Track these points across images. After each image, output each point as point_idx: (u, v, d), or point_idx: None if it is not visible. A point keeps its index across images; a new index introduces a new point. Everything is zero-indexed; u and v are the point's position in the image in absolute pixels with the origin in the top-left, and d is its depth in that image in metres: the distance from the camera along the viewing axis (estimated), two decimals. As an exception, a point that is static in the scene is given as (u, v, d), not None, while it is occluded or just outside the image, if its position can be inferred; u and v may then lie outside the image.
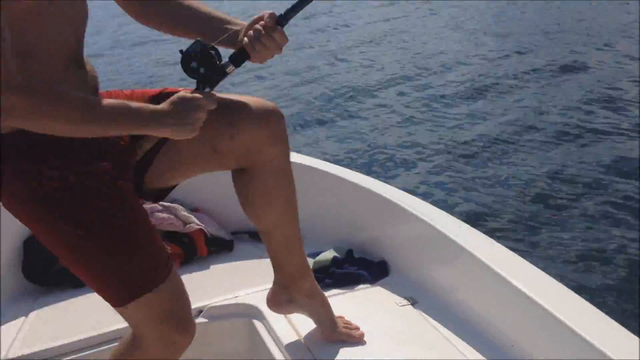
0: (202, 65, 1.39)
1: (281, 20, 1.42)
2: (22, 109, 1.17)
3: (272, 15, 1.41)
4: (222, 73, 1.42)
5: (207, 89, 1.40)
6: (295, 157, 1.87)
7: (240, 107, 1.53)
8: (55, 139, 1.27)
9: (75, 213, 1.31)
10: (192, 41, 1.40)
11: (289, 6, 1.43)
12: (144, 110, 1.30)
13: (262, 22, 1.41)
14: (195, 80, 1.41)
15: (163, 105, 1.32)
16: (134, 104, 1.30)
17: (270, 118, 1.54)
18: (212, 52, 1.40)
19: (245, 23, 1.47)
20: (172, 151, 1.50)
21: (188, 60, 1.39)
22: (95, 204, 1.33)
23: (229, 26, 1.48)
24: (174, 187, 1.62)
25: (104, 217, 1.33)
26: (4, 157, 1.31)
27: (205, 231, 2.37)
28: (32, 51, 1.26)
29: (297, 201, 1.63)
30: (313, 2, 1.45)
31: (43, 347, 1.85)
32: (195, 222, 2.37)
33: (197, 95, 1.35)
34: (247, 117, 1.51)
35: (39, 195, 1.30)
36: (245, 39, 1.42)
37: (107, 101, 1.27)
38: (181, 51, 1.39)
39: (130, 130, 1.32)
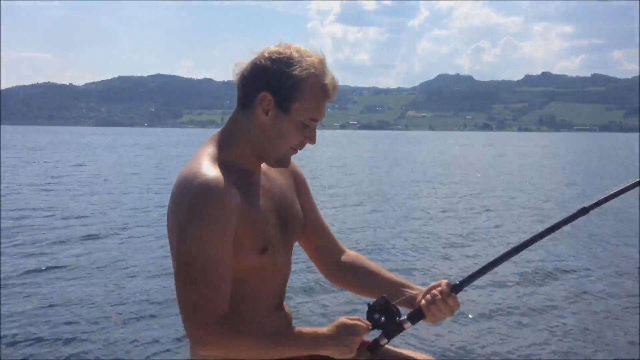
0: (384, 317, 1.64)
1: (456, 288, 1.69)
2: (216, 343, 1.48)
3: (448, 284, 1.71)
4: (399, 328, 1.66)
5: (385, 341, 1.65)
6: None
7: None
8: None
9: None
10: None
11: (463, 277, 1.70)
12: (315, 338, 1.59)
13: (439, 289, 1.70)
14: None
15: (329, 330, 1.60)
16: (306, 330, 1.59)
17: None
18: (394, 309, 1.65)
19: (422, 288, 1.78)
20: None
21: (372, 311, 1.65)
22: None
23: (408, 290, 1.80)
24: None
25: None
26: None
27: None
28: (249, 297, 1.61)
29: None
30: (490, 271, 1.67)
31: None
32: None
33: (357, 322, 1.61)
34: None
35: None
36: (423, 301, 1.70)
37: (286, 333, 1.58)
38: (368, 304, 1.65)
39: (303, 353, 1.58)
